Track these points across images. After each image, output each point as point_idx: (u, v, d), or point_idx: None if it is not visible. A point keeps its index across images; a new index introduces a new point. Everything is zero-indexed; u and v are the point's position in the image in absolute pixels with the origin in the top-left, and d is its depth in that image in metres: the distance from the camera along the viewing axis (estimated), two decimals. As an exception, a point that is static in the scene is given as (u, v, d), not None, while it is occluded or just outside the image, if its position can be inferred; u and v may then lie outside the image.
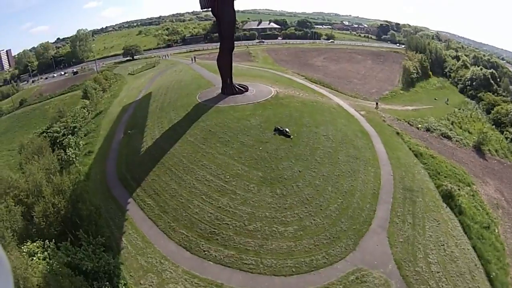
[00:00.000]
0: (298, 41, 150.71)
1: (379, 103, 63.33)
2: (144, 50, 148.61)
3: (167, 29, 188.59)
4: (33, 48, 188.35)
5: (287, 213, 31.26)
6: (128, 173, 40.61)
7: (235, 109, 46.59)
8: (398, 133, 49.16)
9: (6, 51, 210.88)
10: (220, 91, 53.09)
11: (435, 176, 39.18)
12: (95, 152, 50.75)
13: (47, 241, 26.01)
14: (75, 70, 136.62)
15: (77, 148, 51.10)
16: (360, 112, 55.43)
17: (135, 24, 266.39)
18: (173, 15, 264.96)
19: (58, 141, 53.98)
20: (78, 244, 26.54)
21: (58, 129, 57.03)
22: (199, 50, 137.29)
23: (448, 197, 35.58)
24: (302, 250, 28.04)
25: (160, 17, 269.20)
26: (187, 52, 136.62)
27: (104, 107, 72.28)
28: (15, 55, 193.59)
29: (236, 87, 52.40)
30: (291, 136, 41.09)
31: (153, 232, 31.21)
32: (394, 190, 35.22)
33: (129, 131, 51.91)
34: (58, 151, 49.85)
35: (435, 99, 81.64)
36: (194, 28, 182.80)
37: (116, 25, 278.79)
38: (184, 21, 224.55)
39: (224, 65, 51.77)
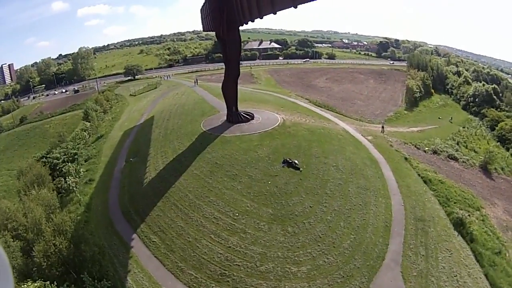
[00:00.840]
0: (300, 60, 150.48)
1: (385, 126, 62.41)
2: (146, 70, 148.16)
3: (169, 48, 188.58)
4: (35, 63, 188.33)
5: (300, 252, 29.86)
6: (131, 206, 39.11)
7: (241, 139, 45.13)
8: (406, 159, 48.16)
9: (8, 65, 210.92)
10: (225, 118, 51.70)
11: (445, 203, 38.32)
12: (96, 180, 49.38)
13: (48, 283, 24.43)
14: (76, 88, 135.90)
15: (77, 176, 49.53)
16: (367, 138, 54.47)
17: (136, 42, 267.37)
18: (174, 34, 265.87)
19: (58, 168, 52.30)
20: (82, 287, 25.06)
21: (58, 155, 55.37)
22: (201, 71, 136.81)
23: (459, 225, 34.83)
24: (317, 291, 26.54)
25: (161, 36, 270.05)
26: (188, 72, 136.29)
27: (105, 130, 70.99)
28: (17, 70, 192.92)
29: (242, 115, 51.02)
30: (301, 169, 39.66)
31: (160, 272, 29.65)
32: (406, 221, 34.23)
33: (131, 159, 50.67)
34: (57, 179, 48.39)
35: (439, 118, 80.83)
36: (195, 48, 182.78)
37: (118, 43, 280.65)
38: (185, 40, 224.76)
39: (230, 92, 50.37)
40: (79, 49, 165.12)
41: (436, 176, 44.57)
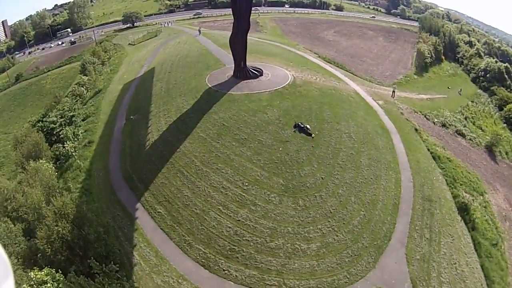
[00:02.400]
0: (306, 10, 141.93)
1: (396, 91, 58.75)
2: (145, 16, 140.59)
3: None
4: (30, 16, 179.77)
5: (310, 228, 28.17)
6: (133, 171, 36.17)
7: (250, 98, 41.30)
8: (416, 130, 46.35)
9: (2, 21, 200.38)
10: (231, 73, 47.48)
11: (452, 184, 37.18)
12: (95, 142, 46.30)
13: (54, 271, 22.22)
14: (73, 39, 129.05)
15: (75, 140, 46.64)
16: (378, 102, 51.33)
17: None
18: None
19: (55, 132, 48.55)
20: (87, 272, 22.75)
21: (55, 119, 51.28)
22: (203, 17, 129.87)
23: (464, 210, 34.11)
24: (325, 270, 25.86)
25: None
26: (190, 18, 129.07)
27: (104, 84, 66.91)
28: (11, 25, 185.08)
29: (250, 70, 46.65)
30: (313, 135, 36.52)
31: (167, 246, 27.63)
32: (414, 199, 32.93)
33: (131, 117, 47.19)
34: (55, 145, 44.78)
35: (448, 87, 77.95)
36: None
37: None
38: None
39: (238, 47, 45.77)
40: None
41: (444, 152, 43.16)
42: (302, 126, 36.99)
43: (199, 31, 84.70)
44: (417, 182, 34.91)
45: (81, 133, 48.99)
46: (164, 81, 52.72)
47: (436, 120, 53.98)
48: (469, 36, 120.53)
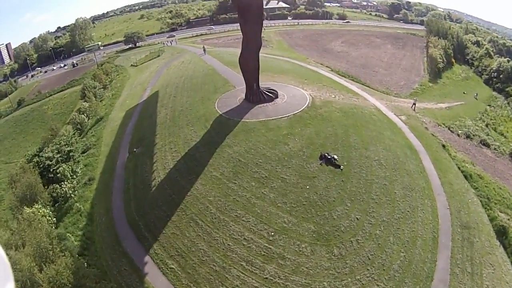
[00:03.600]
0: (310, 21, 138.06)
1: (416, 103, 54.75)
2: (147, 36, 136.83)
3: (170, 11, 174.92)
4: (33, 39, 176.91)
5: (348, 280, 23.76)
6: (139, 217, 31.02)
7: (267, 125, 36.27)
8: (444, 146, 42.31)
9: (6, 44, 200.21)
10: (243, 96, 42.54)
11: (487, 205, 33.71)
12: (96, 180, 41.20)
13: None
14: (75, 62, 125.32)
15: (74, 178, 42.00)
16: (400, 117, 47.00)
17: (137, 7, 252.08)
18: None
19: (51, 170, 43.68)
20: None
21: (51, 154, 46.40)
22: (206, 34, 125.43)
23: (502, 234, 30.90)
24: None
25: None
26: (193, 36, 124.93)
27: (105, 111, 62.14)
28: (15, 48, 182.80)
29: (264, 93, 41.57)
30: (341, 166, 31.59)
31: None
32: (452, 229, 29.65)
33: (134, 149, 42.27)
34: (52, 186, 40.06)
35: (464, 93, 74.80)
36: (199, 9, 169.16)
37: (117, 9, 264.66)
38: (187, 2, 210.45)
39: (250, 68, 40.60)
40: (76, 19, 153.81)
41: (474, 169, 40.02)
42: (329, 157, 32.04)
43: (204, 49, 78.63)
44: (453, 208, 31.53)
45: (81, 168, 44.32)
46: (169, 107, 47.90)
47: (460, 132, 51.09)
48: (475, 35, 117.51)
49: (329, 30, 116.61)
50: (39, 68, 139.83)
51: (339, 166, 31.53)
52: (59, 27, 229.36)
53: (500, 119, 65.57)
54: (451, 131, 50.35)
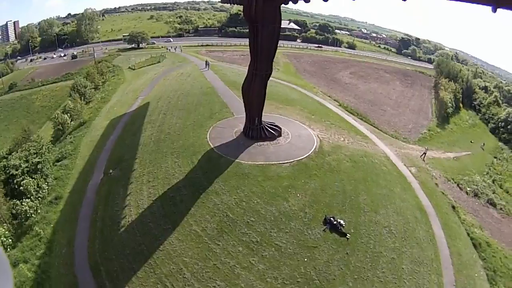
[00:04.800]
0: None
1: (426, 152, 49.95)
2: (153, 37, 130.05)
3: (180, 16, 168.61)
4: (40, 22, 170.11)
5: None
6: (103, 260, 24.86)
7: (265, 172, 29.50)
8: (453, 207, 37.86)
9: (14, 22, 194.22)
10: (241, 128, 35.89)
11: (493, 280, 29.67)
12: (63, 199, 34.98)
13: None
14: (75, 53, 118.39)
15: (38, 195, 35.35)
16: (410, 169, 41.56)
17: (148, 7, 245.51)
18: (188, 2, 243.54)
19: (15, 181, 36.60)
20: None
21: (18, 162, 38.98)
22: (212, 46, 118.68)
23: None
24: None
25: (175, 3, 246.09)
26: (198, 46, 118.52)
27: (90, 115, 55.42)
28: (22, 27, 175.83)
29: (266, 128, 34.77)
30: (348, 235, 25.39)
31: None
32: None
33: (110, 171, 35.73)
34: (13, 202, 33.55)
35: (471, 141, 70.18)
36: (209, 19, 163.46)
37: (129, 6, 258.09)
38: (199, 9, 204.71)
39: (254, 99, 33.44)
40: (85, 10, 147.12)
41: (482, 235, 35.63)
42: (335, 222, 25.70)
43: (207, 64, 70.39)
44: (460, 285, 27.01)
45: (48, 183, 37.60)
46: (156, 125, 41.16)
47: (468, 189, 46.39)
48: (482, 79, 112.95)
49: (338, 58, 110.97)
50: (41, 54, 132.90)
51: (345, 235, 25.30)
52: (69, 14, 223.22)
53: (506, 174, 60.95)
54: (460, 188, 45.47)
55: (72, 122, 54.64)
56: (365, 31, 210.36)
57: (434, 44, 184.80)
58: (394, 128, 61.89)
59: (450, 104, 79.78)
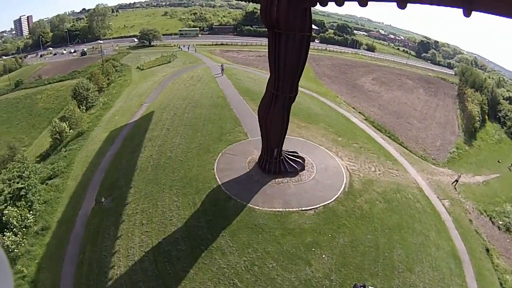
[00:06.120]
0: (338, 47, 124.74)
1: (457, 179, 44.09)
2: (165, 35, 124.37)
3: (195, 13, 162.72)
4: (52, 17, 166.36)
5: None
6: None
7: (284, 223, 22.96)
8: (487, 250, 32.88)
9: (27, 16, 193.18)
10: (256, 156, 29.37)
11: None
12: (51, 230, 29.71)
13: None
14: (85, 49, 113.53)
15: (24, 223, 29.95)
16: (443, 203, 35.70)
17: (163, 3, 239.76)
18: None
19: (-3, 207, 30.85)
20: None
21: (1, 187, 33.11)
22: (227, 45, 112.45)
23: None
24: None
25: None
26: (212, 44, 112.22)
27: (89, 125, 49.55)
28: (34, 22, 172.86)
29: (287, 160, 27.90)
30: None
31: None
32: None
33: (103, 199, 30.14)
34: None
35: (498, 161, 62.95)
36: (224, 16, 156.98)
37: (144, 1, 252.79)
38: (214, 6, 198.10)
39: (274, 126, 25.77)
40: (97, 5, 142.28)
41: None
42: (365, 293, 19.23)
43: (222, 68, 61.82)
44: None
45: (37, 209, 32.09)
46: (157, 144, 35.07)
47: (500, 222, 41.55)
48: (504, 88, 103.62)
49: (359, 62, 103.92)
50: (51, 49, 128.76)
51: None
52: (83, 9, 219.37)
53: (535, 200, 55.40)
54: (492, 222, 40.17)
55: (71, 131, 49.12)
56: (383, 32, 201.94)
57: (453, 48, 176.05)
58: (422, 146, 55.94)
59: (477, 118, 72.45)
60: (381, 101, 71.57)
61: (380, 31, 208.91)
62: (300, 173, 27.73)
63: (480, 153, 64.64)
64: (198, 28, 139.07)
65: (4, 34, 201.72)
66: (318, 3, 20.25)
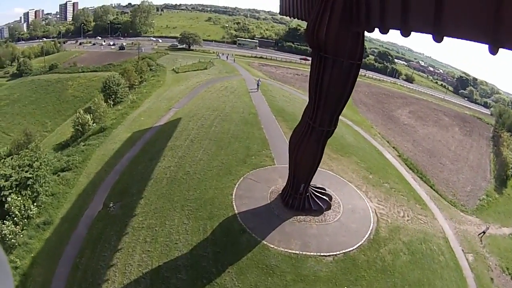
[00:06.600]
0: (377, 74, 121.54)
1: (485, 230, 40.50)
2: (206, 41, 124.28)
3: (238, 23, 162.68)
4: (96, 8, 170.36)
5: None
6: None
7: (299, 268, 20.14)
8: None
9: (73, 3, 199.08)
10: (280, 187, 26.69)
11: None
12: (53, 226, 28.66)
13: None
14: (124, 44, 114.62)
15: (27, 213, 28.98)
16: (467, 257, 32.33)
17: (208, 9, 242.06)
18: (249, 9, 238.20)
19: (2, 194, 29.50)
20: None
21: (9, 172, 31.26)
22: (266, 59, 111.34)
23: None
24: None
25: (235, 8, 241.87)
26: (251, 56, 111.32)
27: (113, 121, 48.46)
28: (78, 10, 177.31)
29: (312, 196, 25.11)
30: None
31: None
32: None
33: (111, 204, 28.52)
34: None
35: None
36: (267, 30, 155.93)
37: (190, 4, 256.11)
38: (258, 18, 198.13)
39: (305, 160, 22.92)
40: (142, 2, 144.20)
41: None
42: None
43: (258, 83, 59.08)
44: None
45: (42, 200, 31.22)
46: (177, 156, 33.16)
47: None
48: None
49: (397, 92, 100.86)
50: (90, 39, 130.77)
51: None
52: (129, 4, 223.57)
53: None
54: None
55: (94, 124, 48.06)
56: (423, 64, 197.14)
57: (490, 87, 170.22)
58: (452, 190, 52.26)
59: (511, 165, 67.20)
60: (416, 136, 68.39)
61: (420, 62, 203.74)
62: (325, 212, 24.96)
63: (509, 203, 59.94)
64: (257, 41, 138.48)
65: (49, 17, 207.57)
66: (376, 29, 17.53)
